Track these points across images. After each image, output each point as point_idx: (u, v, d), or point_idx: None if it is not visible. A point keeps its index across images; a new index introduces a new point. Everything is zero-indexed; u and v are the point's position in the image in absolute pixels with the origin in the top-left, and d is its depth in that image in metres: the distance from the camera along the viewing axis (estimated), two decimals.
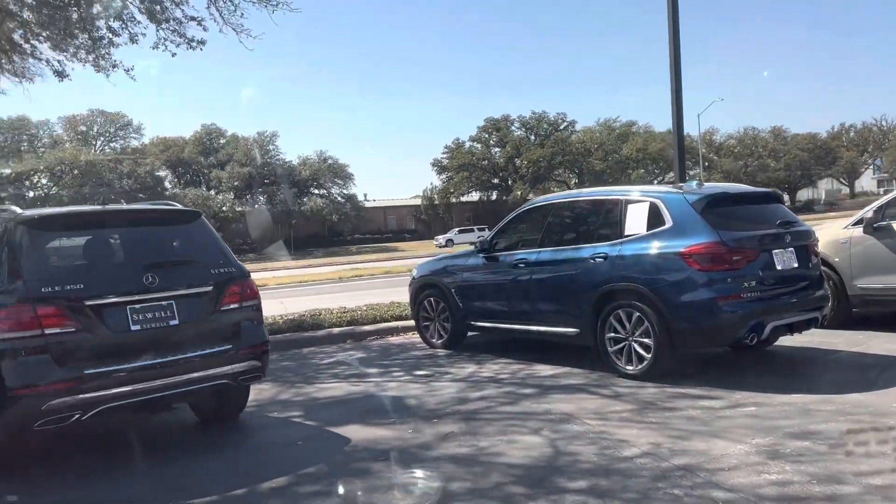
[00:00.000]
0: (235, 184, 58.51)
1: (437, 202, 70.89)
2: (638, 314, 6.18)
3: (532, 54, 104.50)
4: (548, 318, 7.03)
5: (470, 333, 8.44)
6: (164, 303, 4.89)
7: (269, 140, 63.74)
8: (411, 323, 10.03)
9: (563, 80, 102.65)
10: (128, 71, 10.55)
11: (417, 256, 42.15)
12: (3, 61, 11.43)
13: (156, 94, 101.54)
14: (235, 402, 5.83)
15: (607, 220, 6.69)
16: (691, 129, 62.45)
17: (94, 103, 53.86)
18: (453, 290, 8.15)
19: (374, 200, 74.13)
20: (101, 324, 4.63)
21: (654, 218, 6.27)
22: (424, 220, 72.58)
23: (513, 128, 72.16)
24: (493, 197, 72.83)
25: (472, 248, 8.29)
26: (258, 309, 5.49)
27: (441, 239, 58.56)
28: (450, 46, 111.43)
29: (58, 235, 4.88)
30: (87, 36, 10.08)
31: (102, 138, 56.21)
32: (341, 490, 4.06)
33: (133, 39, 10.00)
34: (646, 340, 6.16)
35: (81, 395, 4.45)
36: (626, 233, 6.41)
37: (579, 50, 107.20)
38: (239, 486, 4.29)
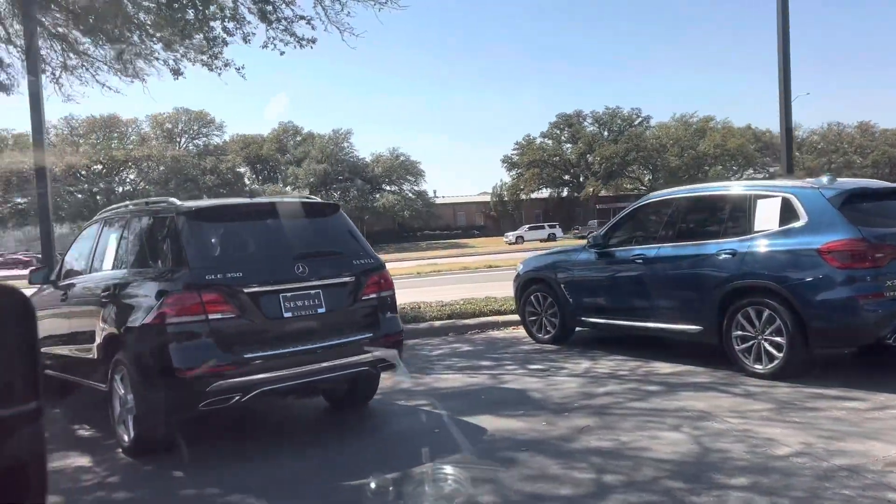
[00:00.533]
0: (311, 180, 59.84)
1: (506, 199, 70.68)
2: (769, 312, 6.04)
3: (605, 48, 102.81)
4: (668, 315, 6.95)
5: (577, 329, 8.43)
6: (312, 291, 5.09)
7: (344, 137, 64.91)
8: (512, 317, 10.12)
9: (637, 75, 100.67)
10: (238, 69, 10.96)
11: (489, 253, 42.19)
12: (118, 62, 12.06)
13: (237, 93, 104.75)
14: (366, 390, 6.00)
15: (734, 215, 6.56)
16: (772, 124, 60.31)
17: (178, 102, 55.89)
18: (563, 286, 8.15)
19: (443, 197, 74.59)
20: (258, 310, 4.85)
21: (787, 213, 6.12)
22: (493, 216, 72.49)
23: (585, 123, 71.24)
24: (564, 194, 72.13)
25: (583, 243, 8.25)
26: (393, 299, 5.65)
27: (511, 236, 58.40)
28: (522, 42, 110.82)
29: (215, 226, 5.13)
30: (201, 36, 10.51)
31: (186, 135, 58.42)
32: (498, 478, 4.14)
33: (246, 39, 10.39)
34: (777, 339, 6.02)
35: (242, 378, 4.68)
36: (756, 228, 6.27)
37: (655, 44, 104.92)
38: (392, 468, 4.42)
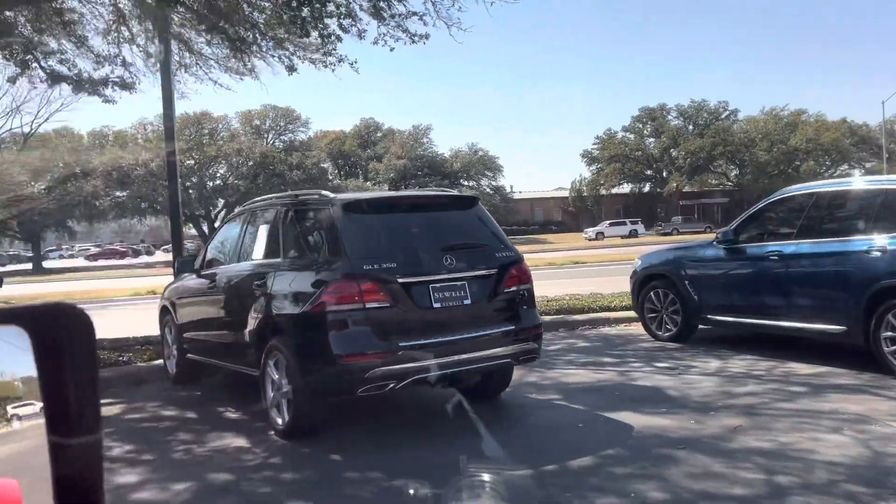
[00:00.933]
0: (391, 175, 60.65)
1: (585, 194, 69.63)
2: None
3: (692, 40, 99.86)
4: (806, 314, 6.70)
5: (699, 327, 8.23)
6: (458, 283, 5.16)
7: (423, 133, 65.50)
8: (622, 314, 9.99)
9: (723, 67, 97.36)
10: (352, 64, 11.18)
11: (571, 249, 41.71)
12: (236, 60, 12.51)
13: (320, 89, 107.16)
14: (500, 382, 6.03)
15: (884, 210, 6.25)
16: (869, 117, 57.14)
17: (268, 99, 57.65)
18: (686, 283, 7.97)
19: (520, 192, 74.11)
20: (410, 300, 4.95)
21: None
22: (572, 212, 71.57)
23: (669, 117, 69.41)
24: (646, 189, 70.50)
25: (711, 239, 8.03)
26: (532, 293, 5.66)
27: (591, 231, 57.56)
28: (603, 35, 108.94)
29: (368, 217, 5.26)
30: (316, 34, 10.77)
31: (273, 132, 60.29)
32: (661, 474, 4.09)
33: (361, 36, 10.58)
34: None
35: (397, 366, 4.79)
36: None
37: (743, 35, 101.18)
38: (547, 462, 4.43)
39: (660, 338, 8.35)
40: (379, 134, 67.52)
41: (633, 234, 56.15)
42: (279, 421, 5.26)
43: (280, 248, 5.64)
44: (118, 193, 50.18)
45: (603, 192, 69.20)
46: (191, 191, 52.17)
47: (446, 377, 5.15)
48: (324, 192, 5.50)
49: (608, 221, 60.62)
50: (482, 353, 5.18)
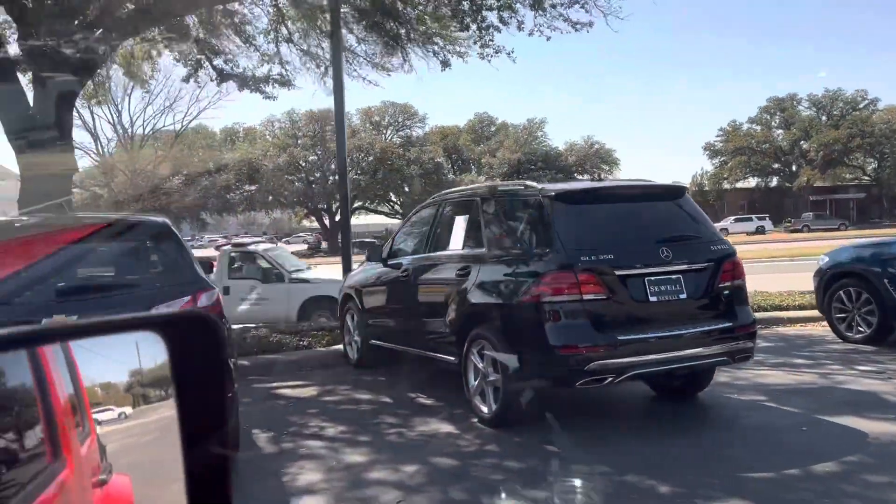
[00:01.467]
0: (504, 169, 60.53)
1: (707, 188, 66.76)
2: None
3: (827, 25, 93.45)
4: None
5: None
6: (674, 276, 5.01)
7: (538, 127, 64.91)
8: (798, 314, 9.48)
9: (861, 52, 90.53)
10: (509, 54, 11.18)
11: None
12: (382, 56, 12.80)
13: (436, 85, 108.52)
14: (703, 381, 5.81)
15: None
16: None
17: (386, 96, 58.76)
18: (886, 281, 7.41)
19: None
20: (626, 293, 4.85)
21: None
22: None
23: (800, 107, 65.35)
24: (773, 183, 66.77)
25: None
26: (745, 288, 5.42)
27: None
28: (725, 22, 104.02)
29: (580, 208, 5.21)
30: (475, 27, 10.83)
31: (391, 127, 61.58)
32: None
33: (520, 27, 10.54)
34: None
35: (616, 360, 4.71)
36: None
37: (880, 19, 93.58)
38: (787, 465, 4.21)
39: (850, 339, 7.82)
40: (493, 128, 67.48)
41: (760, 230, 53.34)
42: (484, 409, 5.30)
43: (483, 238, 5.67)
44: (247, 187, 52.82)
45: (726, 186, 66.19)
46: (314, 185, 54.22)
47: (661, 373, 5.02)
48: (529, 183, 5.49)
49: (732, 217, 57.85)
50: (698, 350, 5.01)
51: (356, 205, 54.28)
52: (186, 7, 11.00)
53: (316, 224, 59.25)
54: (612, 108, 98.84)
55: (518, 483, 4.17)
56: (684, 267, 5.03)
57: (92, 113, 41.56)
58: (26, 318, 3.73)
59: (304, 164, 53.93)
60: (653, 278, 4.93)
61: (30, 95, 9.57)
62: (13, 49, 9.71)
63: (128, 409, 0.89)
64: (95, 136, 45.98)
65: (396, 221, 59.94)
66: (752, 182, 67.58)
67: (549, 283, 4.78)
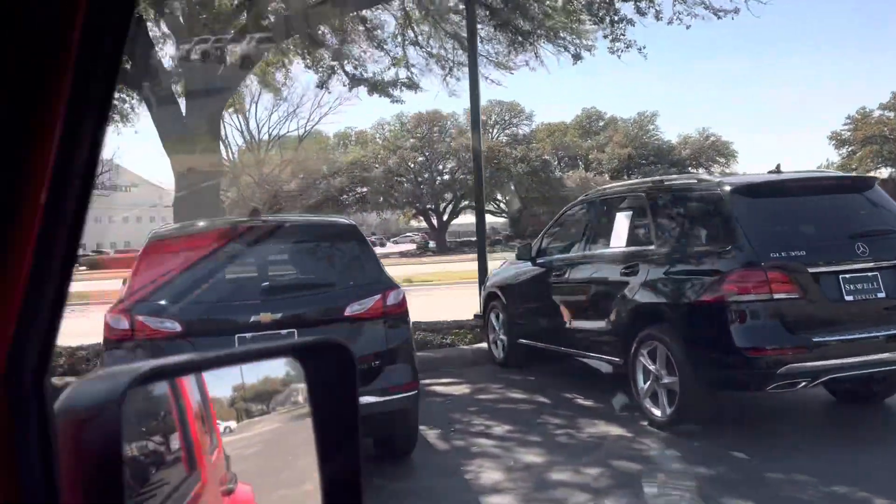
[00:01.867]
0: (613, 164, 59.20)
1: None
2: None
3: None
4: None
5: None
6: (870, 274, 4.66)
7: (649, 120, 62.98)
8: None
9: None
10: (640, 50, 10.85)
11: None
12: (508, 54, 12.73)
13: (541, 82, 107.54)
14: (891, 386, 5.38)
15: None
16: None
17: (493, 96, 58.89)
18: None
19: None
20: (819, 292, 4.56)
21: None
22: None
23: None
24: None
25: None
26: None
27: None
28: (852, 6, 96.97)
29: (765, 202, 4.95)
30: (608, 20, 10.58)
31: (498, 126, 61.55)
32: None
33: (658, 17, 10.20)
34: None
35: (812, 363, 4.43)
36: None
37: None
38: None
39: None
40: (601, 123, 66.06)
41: None
42: (656, 412, 5.12)
43: (651, 234, 5.48)
44: (359, 189, 54.32)
45: None
46: (422, 186, 55.03)
47: (859, 378, 4.69)
48: (703, 177, 5.29)
49: None
50: None
51: (463, 203, 54.64)
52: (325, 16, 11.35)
53: (423, 224, 60.05)
54: (728, 97, 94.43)
55: (714, 490, 3.98)
56: (882, 263, 4.67)
57: (223, 121, 43.99)
58: (238, 316, 3.96)
59: (412, 166, 54.83)
60: (848, 276, 4.60)
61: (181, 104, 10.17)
62: (167, 62, 10.36)
63: (232, 423, 0.94)
64: (227, 144, 48.70)
65: (501, 220, 59.85)
66: (885, 172, 62.73)
67: (736, 282, 4.56)
